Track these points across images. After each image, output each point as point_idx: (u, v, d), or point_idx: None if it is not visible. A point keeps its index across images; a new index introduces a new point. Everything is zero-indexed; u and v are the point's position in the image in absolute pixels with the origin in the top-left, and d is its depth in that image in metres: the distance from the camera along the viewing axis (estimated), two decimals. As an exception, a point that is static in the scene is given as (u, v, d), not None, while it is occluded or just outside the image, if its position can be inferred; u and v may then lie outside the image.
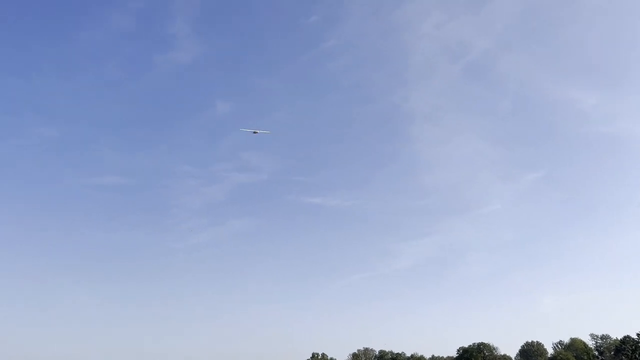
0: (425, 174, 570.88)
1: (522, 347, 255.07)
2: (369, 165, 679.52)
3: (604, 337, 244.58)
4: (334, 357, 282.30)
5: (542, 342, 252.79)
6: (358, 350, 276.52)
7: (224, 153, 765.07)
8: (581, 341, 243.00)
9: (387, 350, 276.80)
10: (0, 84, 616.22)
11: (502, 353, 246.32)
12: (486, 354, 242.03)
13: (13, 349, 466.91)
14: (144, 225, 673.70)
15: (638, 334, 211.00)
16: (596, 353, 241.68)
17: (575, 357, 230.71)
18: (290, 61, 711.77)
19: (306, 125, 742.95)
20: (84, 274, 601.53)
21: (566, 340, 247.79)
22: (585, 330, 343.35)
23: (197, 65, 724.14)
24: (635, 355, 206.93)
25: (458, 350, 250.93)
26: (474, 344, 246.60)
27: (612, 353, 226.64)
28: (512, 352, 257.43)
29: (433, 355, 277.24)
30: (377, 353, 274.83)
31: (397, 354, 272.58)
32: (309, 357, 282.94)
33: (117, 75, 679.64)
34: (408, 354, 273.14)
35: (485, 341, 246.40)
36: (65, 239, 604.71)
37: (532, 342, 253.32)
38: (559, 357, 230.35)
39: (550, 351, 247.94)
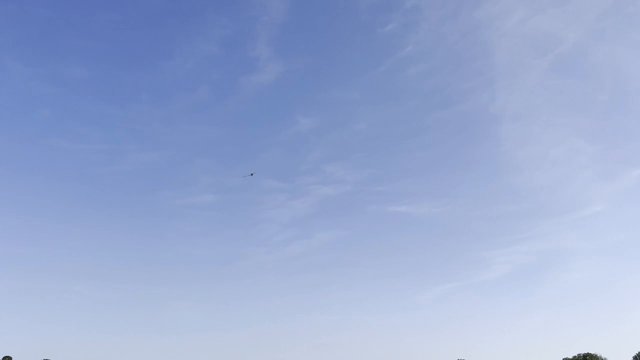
0: (516, 176, 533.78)
1: (635, 358, 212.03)
2: (455, 171, 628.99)
3: None
4: None
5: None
6: None
7: (308, 167, 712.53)
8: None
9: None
10: (102, 113, 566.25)
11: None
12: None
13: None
14: (236, 240, 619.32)
15: None
16: None
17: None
18: (369, 71, 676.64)
19: (387, 134, 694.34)
20: (186, 289, 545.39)
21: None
22: None
23: (279, 84, 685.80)
24: None
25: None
26: (578, 354, 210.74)
27: None
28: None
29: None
30: None
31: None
32: None
33: (207, 99, 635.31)
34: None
35: (592, 352, 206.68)
36: (167, 256, 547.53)
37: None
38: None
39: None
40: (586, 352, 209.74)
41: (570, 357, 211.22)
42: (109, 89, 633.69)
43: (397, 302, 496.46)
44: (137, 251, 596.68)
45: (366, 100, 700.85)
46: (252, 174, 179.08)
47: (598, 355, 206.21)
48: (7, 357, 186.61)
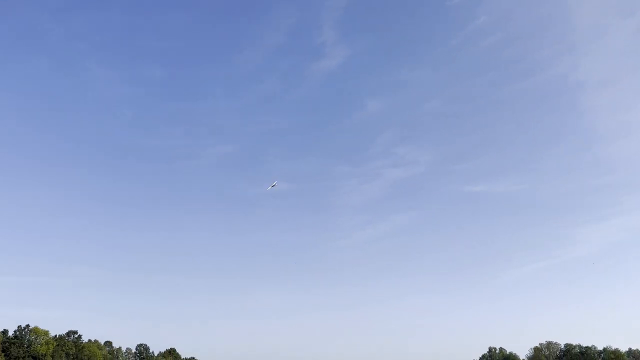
0: (603, 147, 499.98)
1: None
2: (535, 145, 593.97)
3: None
4: (513, 352, 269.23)
5: None
6: (540, 344, 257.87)
7: (378, 150, 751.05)
8: None
9: (574, 344, 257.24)
10: (180, 110, 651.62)
11: None
12: None
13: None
14: (311, 227, 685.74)
15: None
16: None
17: None
18: (439, 47, 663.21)
19: (462, 111, 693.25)
20: (266, 275, 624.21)
21: None
22: None
23: (345, 68, 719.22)
24: None
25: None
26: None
27: None
28: None
29: (630, 349, 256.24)
30: (562, 347, 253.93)
31: (587, 347, 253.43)
32: (486, 352, 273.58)
33: (276, 89, 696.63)
34: (599, 347, 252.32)
35: None
36: (246, 245, 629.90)
37: None
38: None
39: None
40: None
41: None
42: (185, 86, 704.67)
43: (477, 285, 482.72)
44: (218, 241, 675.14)
45: (438, 77, 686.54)
46: (273, 186, 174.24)
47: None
48: (107, 341, 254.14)
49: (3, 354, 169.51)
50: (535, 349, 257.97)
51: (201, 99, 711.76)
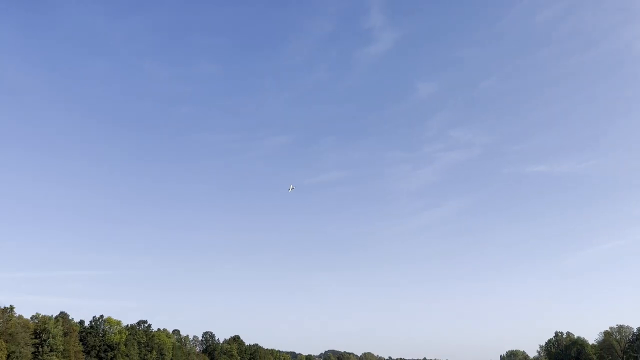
0: None
1: None
2: (599, 120, 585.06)
3: None
4: (582, 336, 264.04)
5: None
6: (610, 328, 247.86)
7: (432, 133, 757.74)
8: None
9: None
10: (234, 104, 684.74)
11: None
12: None
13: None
14: (366, 214, 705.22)
15: None
16: None
17: None
18: (493, 23, 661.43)
19: (519, 88, 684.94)
20: (323, 262, 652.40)
21: None
22: None
23: (394, 52, 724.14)
24: None
25: None
26: None
27: None
28: None
29: None
30: (634, 331, 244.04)
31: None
32: (552, 337, 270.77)
33: (325, 77, 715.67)
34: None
35: None
36: (303, 233, 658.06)
37: None
38: None
39: None
40: None
41: None
42: (237, 81, 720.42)
43: (541, 269, 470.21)
44: (274, 231, 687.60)
45: (492, 54, 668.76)
46: (291, 188, 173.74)
47: None
48: (175, 330, 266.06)
49: (81, 343, 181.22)
50: (606, 333, 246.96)
51: (253, 92, 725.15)
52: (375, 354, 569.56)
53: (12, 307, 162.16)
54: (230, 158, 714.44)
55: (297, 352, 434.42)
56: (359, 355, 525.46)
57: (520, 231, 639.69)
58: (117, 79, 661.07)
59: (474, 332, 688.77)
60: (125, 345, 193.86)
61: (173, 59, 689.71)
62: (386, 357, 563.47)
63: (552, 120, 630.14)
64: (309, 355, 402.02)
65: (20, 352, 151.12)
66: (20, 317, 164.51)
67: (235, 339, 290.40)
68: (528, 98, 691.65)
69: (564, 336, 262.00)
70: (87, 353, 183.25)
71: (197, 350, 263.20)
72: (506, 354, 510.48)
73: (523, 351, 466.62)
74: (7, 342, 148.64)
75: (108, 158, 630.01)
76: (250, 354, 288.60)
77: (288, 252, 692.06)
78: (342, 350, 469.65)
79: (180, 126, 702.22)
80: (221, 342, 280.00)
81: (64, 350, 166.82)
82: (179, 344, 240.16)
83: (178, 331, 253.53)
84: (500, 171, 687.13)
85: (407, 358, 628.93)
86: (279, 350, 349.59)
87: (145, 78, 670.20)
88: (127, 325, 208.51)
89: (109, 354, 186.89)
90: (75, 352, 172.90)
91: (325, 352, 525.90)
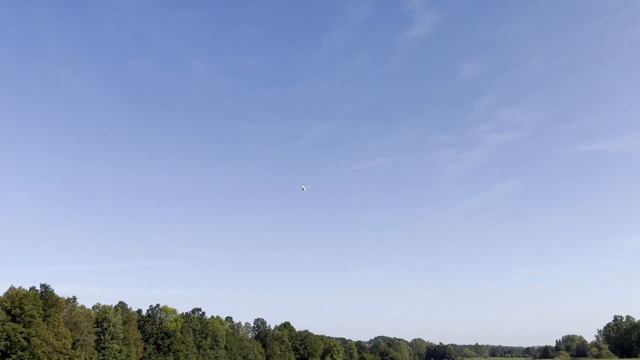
0: None
1: None
2: None
3: None
4: None
5: None
6: None
7: (478, 115, 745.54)
8: None
9: None
10: (276, 95, 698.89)
11: None
12: None
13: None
14: (410, 200, 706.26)
15: None
16: None
17: None
18: None
19: (570, 64, 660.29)
20: (367, 250, 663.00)
21: None
22: None
23: (436, 34, 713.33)
24: None
25: None
26: None
27: None
28: None
29: None
30: None
31: None
32: (611, 321, 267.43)
33: (366, 63, 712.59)
34: None
35: None
36: (346, 221, 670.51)
37: None
38: None
39: None
40: None
41: None
42: (278, 72, 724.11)
43: (595, 251, 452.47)
44: (320, 219, 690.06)
45: (541, 30, 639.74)
46: (305, 188, 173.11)
47: None
48: (228, 317, 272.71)
49: (139, 331, 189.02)
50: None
51: (294, 83, 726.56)
52: (426, 340, 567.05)
53: (75, 298, 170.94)
54: (276, 148, 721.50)
55: (346, 338, 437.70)
56: (409, 341, 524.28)
57: (573, 213, 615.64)
58: (163, 77, 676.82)
59: (526, 317, 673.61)
60: (181, 332, 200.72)
61: (215, 53, 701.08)
62: (437, 343, 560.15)
63: (606, 96, 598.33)
64: (358, 341, 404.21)
65: (84, 340, 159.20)
66: (82, 307, 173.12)
67: (286, 326, 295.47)
68: (579, 74, 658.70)
69: (624, 320, 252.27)
70: (146, 340, 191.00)
71: (250, 337, 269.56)
72: (562, 339, 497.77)
73: (580, 336, 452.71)
74: (71, 331, 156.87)
75: (158, 154, 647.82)
76: (301, 340, 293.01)
77: (334, 240, 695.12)
78: (392, 337, 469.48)
79: (224, 118, 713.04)
80: (272, 328, 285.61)
81: (124, 338, 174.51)
82: (232, 330, 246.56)
83: (231, 318, 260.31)
84: (552, 151, 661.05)
85: (458, 344, 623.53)
86: (328, 337, 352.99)
87: (189, 74, 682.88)
88: (182, 313, 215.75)
89: (166, 341, 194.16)
90: (134, 339, 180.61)
91: (375, 338, 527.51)
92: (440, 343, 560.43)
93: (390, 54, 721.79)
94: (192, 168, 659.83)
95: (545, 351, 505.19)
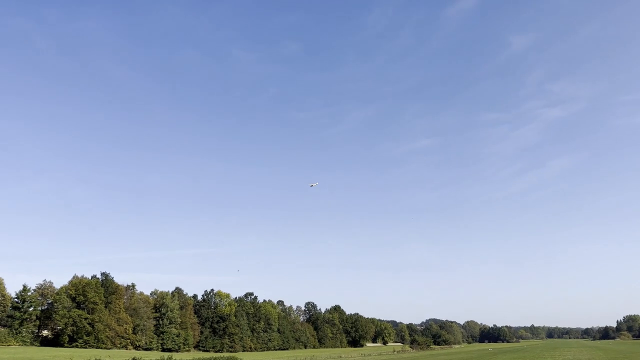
0: None
1: None
2: None
3: None
4: None
5: None
6: None
7: (529, 90, 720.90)
8: None
9: None
10: (319, 80, 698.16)
11: None
12: None
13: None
14: (458, 181, 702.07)
15: None
16: None
17: None
18: None
19: (625, 33, 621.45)
20: (414, 230, 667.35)
21: None
22: None
23: (482, 8, 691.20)
24: None
25: None
26: None
27: None
28: None
29: None
30: None
31: None
32: None
33: (409, 43, 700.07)
34: None
35: None
36: (394, 203, 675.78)
37: None
38: None
39: None
40: None
41: None
42: (320, 57, 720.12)
43: None
44: (367, 200, 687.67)
45: None
46: (316, 184, 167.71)
47: None
48: (280, 301, 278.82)
49: (195, 315, 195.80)
50: None
51: (336, 67, 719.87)
52: (479, 322, 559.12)
53: (133, 285, 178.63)
54: (318, 133, 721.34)
55: (397, 320, 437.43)
56: (461, 323, 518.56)
57: (634, 188, 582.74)
58: (208, 66, 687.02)
59: (585, 297, 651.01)
60: (235, 316, 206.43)
61: (257, 41, 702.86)
62: (490, 325, 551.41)
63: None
64: (410, 324, 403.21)
65: (144, 325, 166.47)
66: (141, 293, 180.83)
67: (336, 309, 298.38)
68: (637, 42, 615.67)
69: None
70: (202, 324, 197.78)
71: (301, 320, 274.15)
72: (623, 319, 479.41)
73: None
74: (132, 317, 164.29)
75: (210, 141, 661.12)
76: (352, 323, 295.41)
77: (383, 224, 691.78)
78: (444, 319, 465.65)
79: (269, 105, 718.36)
80: (322, 312, 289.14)
81: (181, 322, 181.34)
82: (284, 313, 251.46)
83: (282, 302, 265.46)
84: (609, 124, 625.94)
85: (513, 325, 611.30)
86: (379, 319, 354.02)
87: (233, 62, 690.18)
88: (236, 297, 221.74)
89: (221, 324, 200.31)
90: (191, 323, 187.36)
91: (426, 320, 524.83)
92: (494, 325, 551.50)
93: (434, 31, 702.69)
94: (240, 155, 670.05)
95: (605, 332, 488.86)
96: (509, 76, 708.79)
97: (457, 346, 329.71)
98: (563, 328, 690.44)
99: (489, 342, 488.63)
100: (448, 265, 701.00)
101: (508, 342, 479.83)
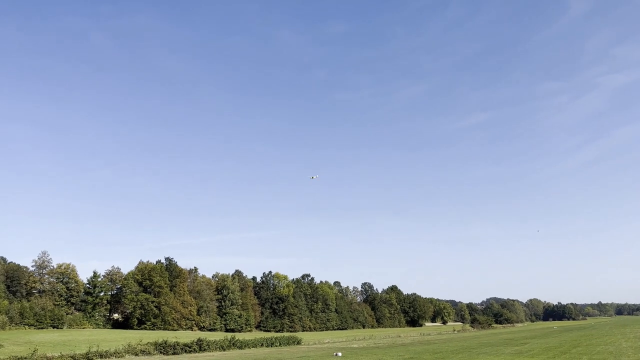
0: None
1: None
2: None
3: None
4: None
5: None
6: None
7: (590, 56, 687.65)
8: None
9: None
10: (366, 59, 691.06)
11: None
12: None
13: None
14: (516, 155, 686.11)
15: None
16: None
17: None
18: None
19: None
20: (484, 211, 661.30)
21: None
22: None
23: None
24: None
25: None
26: None
27: None
28: None
29: None
30: None
31: None
32: None
33: (459, 14, 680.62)
34: None
35: None
36: (446, 177, 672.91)
37: None
38: None
39: None
40: None
41: None
42: (367, 35, 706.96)
43: None
44: (423, 178, 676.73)
45: None
46: (314, 177, 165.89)
47: None
48: (336, 282, 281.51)
49: (255, 296, 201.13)
50: None
51: (385, 43, 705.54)
52: (542, 300, 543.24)
53: (196, 269, 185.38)
54: (367, 113, 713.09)
55: (456, 300, 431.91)
56: (524, 302, 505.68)
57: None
58: (257, 50, 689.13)
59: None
60: (293, 297, 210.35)
61: (304, 23, 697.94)
62: (555, 302, 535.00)
63: None
64: (470, 303, 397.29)
65: (207, 307, 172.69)
66: (203, 276, 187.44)
67: (393, 289, 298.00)
68: None
69: None
70: (262, 305, 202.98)
71: (358, 300, 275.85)
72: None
73: None
74: (195, 299, 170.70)
75: (259, 128, 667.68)
76: (410, 303, 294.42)
77: (440, 203, 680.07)
78: (505, 298, 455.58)
79: (316, 87, 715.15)
80: (379, 292, 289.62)
81: (242, 303, 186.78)
82: (340, 294, 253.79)
83: (339, 283, 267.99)
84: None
85: (579, 302, 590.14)
86: (438, 299, 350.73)
87: (282, 45, 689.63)
88: (293, 279, 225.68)
89: (280, 305, 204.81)
90: (252, 304, 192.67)
91: (487, 299, 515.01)
92: (559, 302, 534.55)
93: (486, 2, 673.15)
94: (290, 140, 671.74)
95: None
96: (568, 42, 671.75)
97: (520, 325, 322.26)
98: (633, 304, 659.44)
99: (554, 320, 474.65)
100: (510, 242, 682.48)
101: (574, 319, 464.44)
